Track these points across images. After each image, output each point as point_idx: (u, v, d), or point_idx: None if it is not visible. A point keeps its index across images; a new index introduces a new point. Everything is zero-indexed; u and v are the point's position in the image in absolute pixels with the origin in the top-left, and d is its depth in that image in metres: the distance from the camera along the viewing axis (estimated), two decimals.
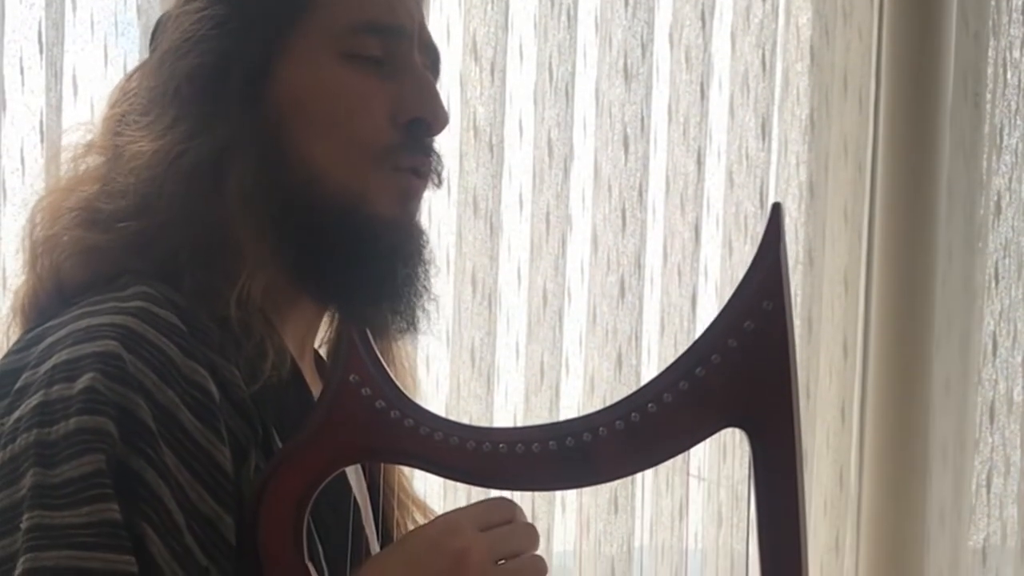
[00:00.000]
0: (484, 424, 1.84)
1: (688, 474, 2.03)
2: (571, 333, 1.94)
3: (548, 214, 1.91)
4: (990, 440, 2.23)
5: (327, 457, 0.90)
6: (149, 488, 0.84)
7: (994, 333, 2.24)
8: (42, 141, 1.54)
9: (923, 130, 2.15)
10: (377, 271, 0.99)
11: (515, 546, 0.92)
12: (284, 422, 0.94)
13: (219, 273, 0.95)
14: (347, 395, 0.89)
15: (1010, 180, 2.24)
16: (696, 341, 0.89)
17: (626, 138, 1.95)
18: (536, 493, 1.83)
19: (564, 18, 1.91)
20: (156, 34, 1.04)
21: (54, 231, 0.99)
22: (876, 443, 2.16)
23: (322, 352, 1.13)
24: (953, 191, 2.19)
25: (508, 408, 1.91)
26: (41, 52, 1.54)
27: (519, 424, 1.88)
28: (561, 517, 1.92)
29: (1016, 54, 2.25)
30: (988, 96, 2.24)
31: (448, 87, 1.82)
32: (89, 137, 1.03)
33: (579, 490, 1.86)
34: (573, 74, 1.92)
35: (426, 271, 1.02)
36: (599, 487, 1.90)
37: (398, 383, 0.91)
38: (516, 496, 0.96)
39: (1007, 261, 2.24)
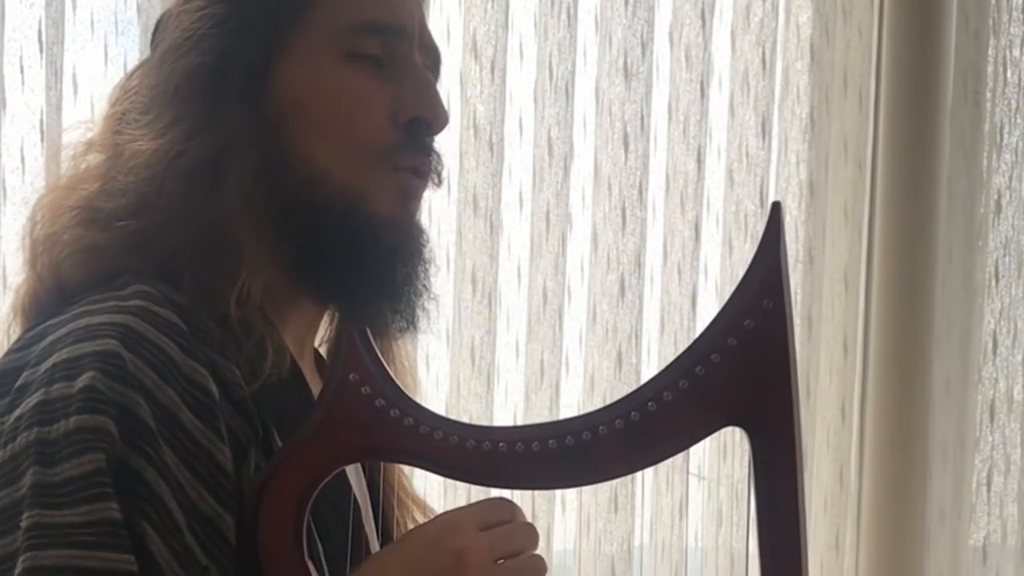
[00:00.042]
0: (484, 423, 1.84)
1: (688, 473, 2.03)
2: (571, 332, 1.94)
3: (548, 213, 1.91)
4: (990, 439, 2.23)
5: (327, 456, 0.90)
6: (149, 487, 0.84)
7: (994, 332, 2.24)
8: (42, 140, 1.54)
9: (923, 129, 2.15)
10: (377, 271, 0.99)
11: (515, 545, 0.92)
12: (284, 421, 0.94)
13: (219, 272, 0.95)
14: (347, 394, 0.89)
15: (1010, 179, 2.24)
16: (696, 340, 0.89)
17: (626, 137, 1.95)
18: (536, 492, 1.83)
19: (564, 17, 1.91)
20: (157, 32, 1.04)
21: (54, 229, 0.99)
22: (876, 442, 2.16)
23: (322, 351, 1.13)
24: (953, 190, 2.19)
25: (508, 407, 1.92)
26: (41, 51, 1.54)
27: (519, 423, 1.88)
28: (561, 516, 1.92)
29: (1016, 53, 2.25)
30: (988, 95, 2.24)
31: (448, 86, 1.82)
32: (90, 135, 1.03)
33: (579, 489, 1.86)
34: (573, 73, 1.92)
35: (426, 270, 1.03)
36: (599, 486, 1.91)
37: (398, 382, 0.91)
38: (516, 495, 0.97)
39: (1007, 260, 2.24)
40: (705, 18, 2.00)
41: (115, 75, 1.55)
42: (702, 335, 0.89)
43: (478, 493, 1.62)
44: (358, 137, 0.99)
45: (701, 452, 2.04)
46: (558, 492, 1.88)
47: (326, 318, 1.10)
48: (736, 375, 0.87)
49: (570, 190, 1.93)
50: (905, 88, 2.16)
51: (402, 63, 1.01)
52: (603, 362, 1.94)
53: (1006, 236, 2.24)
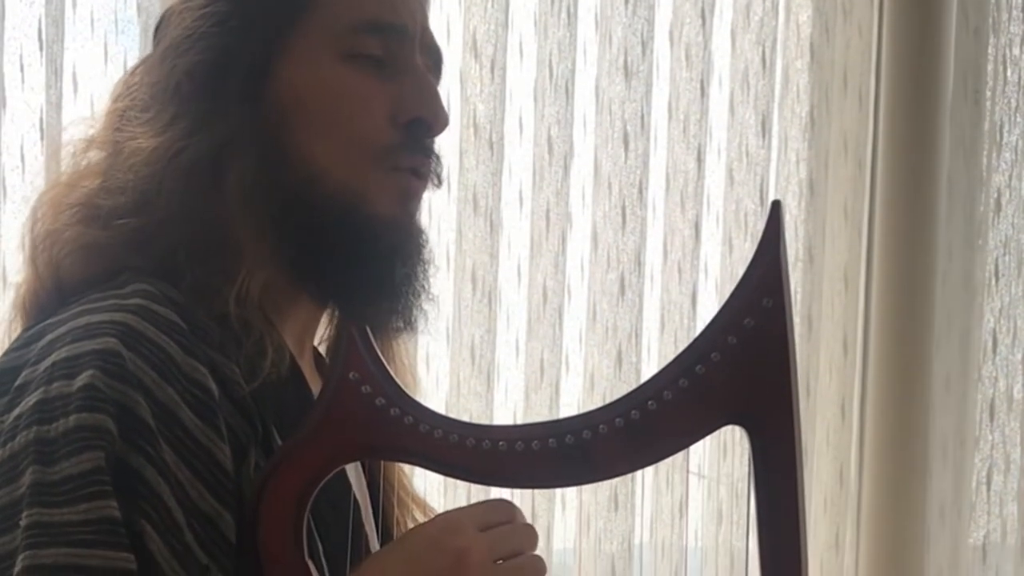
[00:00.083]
0: (484, 422, 1.84)
1: (688, 472, 2.03)
2: (571, 330, 1.94)
3: (548, 211, 1.91)
4: (990, 437, 2.23)
5: (327, 455, 0.90)
6: (148, 486, 0.84)
7: (994, 330, 2.24)
8: (42, 139, 1.54)
9: (923, 127, 2.15)
10: (376, 271, 0.99)
11: (515, 546, 0.92)
12: (284, 420, 0.94)
13: (218, 271, 0.95)
14: (347, 393, 0.89)
15: (1010, 177, 2.24)
16: (696, 338, 0.89)
17: (626, 135, 1.95)
18: (536, 491, 1.83)
19: (564, 15, 1.91)
20: (159, 29, 1.04)
21: (55, 227, 0.99)
22: (876, 440, 2.16)
23: (322, 350, 1.13)
24: (953, 188, 2.19)
25: (508, 406, 1.91)
26: (41, 49, 1.54)
27: (519, 422, 1.88)
28: (561, 515, 1.92)
29: (1016, 51, 2.25)
30: (988, 93, 2.23)
31: (448, 84, 1.81)
32: (91, 132, 1.03)
33: (579, 488, 1.86)
34: (573, 71, 1.92)
35: (425, 270, 1.03)
36: (599, 485, 1.91)
37: (398, 380, 0.91)
38: (516, 493, 0.97)
39: (1007, 258, 2.24)
40: (705, 17, 2.00)
41: (115, 74, 1.55)
42: (702, 334, 0.89)
43: (478, 492, 1.62)
44: (358, 137, 0.99)
45: (701, 451, 2.04)
46: (558, 491, 1.88)
47: (326, 317, 1.10)
48: (736, 374, 0.87)
49: (570, 189, 1.93)
50: (905, 87, 2.16)
51: (403, 63, 1.01)
52: (603, 361, 1.94)
53: (1006, 235, 2.24)
